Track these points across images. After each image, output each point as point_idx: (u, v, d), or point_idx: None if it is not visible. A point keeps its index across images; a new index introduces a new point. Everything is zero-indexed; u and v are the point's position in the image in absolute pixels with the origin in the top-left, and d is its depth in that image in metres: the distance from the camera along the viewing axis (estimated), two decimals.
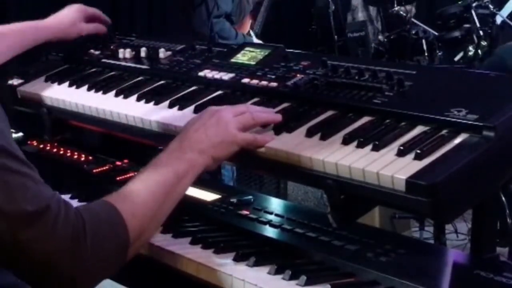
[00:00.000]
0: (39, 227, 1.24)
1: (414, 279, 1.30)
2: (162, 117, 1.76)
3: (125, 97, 1.94)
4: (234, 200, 1.77)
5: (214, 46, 2.07)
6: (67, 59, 2.34)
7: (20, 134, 2.29)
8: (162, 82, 1.98)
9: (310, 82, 1.68)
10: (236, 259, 1.45)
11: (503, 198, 1.72)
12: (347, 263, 1.40)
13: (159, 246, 1.54)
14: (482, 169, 1.32)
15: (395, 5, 6.11)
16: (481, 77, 1.65)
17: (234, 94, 1.80)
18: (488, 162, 1.33)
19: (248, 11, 4.73)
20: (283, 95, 1.69)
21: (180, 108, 1.78)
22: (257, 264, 1.42)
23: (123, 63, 2.17)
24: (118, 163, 2.10)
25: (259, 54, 1.91)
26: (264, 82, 1.76)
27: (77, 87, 2.10)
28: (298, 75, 1.74)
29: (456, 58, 5.90)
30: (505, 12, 5.66)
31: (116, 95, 1.97)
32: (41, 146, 2.27)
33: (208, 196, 1.83)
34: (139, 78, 2.05)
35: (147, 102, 1.87)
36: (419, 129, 1.42)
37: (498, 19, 5.66)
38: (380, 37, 6.36)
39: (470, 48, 5.69)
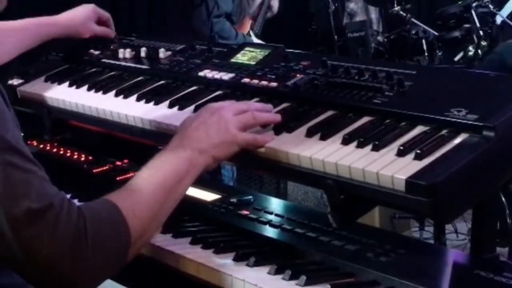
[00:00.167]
0: (41, 225, 1.23)
1: (414, 279, 1.30)
2: (162, 117, 1.76)
3: (125, 97, 1.94)
4: (234, 200, 1.77)
5: (214, 46, 2.07)
6: (67, 59, 2.34)
7: (20, 129, 2.29)
8: (162, 82, 1.98)
9: (310, 82, 1.68)
10: (236, 259, 1.45)
11: (503, 198, 1.72)
12: (347, 263, 1.40)
13: (159, 246, 1.54)
14: (482, 169, 1.32)
15: (395, 5, 6.11)
16: (481, 77, 1.65)
17: (234, 94, 1.80)
18: (488, 162, 1.33)
19: (248, 11, 4.72)
20: (283, 95, 1.69)
21: (180, 108, 1.78)
22: (257, 264, 1.42)
23: (123, 63, 2.17)
24: (118, 163, 2.10)
25: (259, 54, 1.91)
26: (264, 82, 1.76)
27: (77, 87, 2.10)
28: (298, 75, 1.74)
29: (456, 58, 5.91)
30: (505, 12, 5.66)
31: (116, 95, 1.97)
32: (41, 146, 2.27)
33: (208, 196, 1.83)
34: (139, 78, 2.05)
35: (147, 102, 1.87)
36: (419, 129, 1.42)
37: (498, 19, 5.66)
38: (379, 37, 6.37)
39: (470, 48, 5.69)
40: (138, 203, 1.38)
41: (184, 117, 1.64)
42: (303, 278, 1.33)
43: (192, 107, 1.76)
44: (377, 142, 1.39)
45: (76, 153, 2.20)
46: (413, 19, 6.06)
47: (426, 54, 5.96)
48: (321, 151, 1.43)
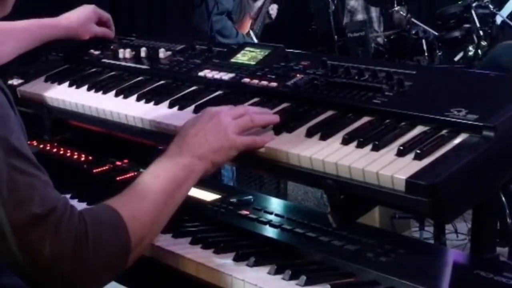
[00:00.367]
0: (43, 229, 1.24)
1: (414, 279, 1.30)
2: (162, 117, 1.76)
3: (125, 97, 1.94)
4: (234, 200, 1.77)
5: (214, 46, 2.07)
6: (67, 59, 2.34)
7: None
8: (162, 82, 1.98)
9: (310, 82, 1.68)
10: (236, 259, 1.45)
11: (503, 198, 1.72)
12: (347, 263, 1.40)
13: (159, 246, 1.54)
14: (482, 169, 1.32)
15: (395, 5, 6.11)
16: (481, 77, 1.65)
17: (234, 94, 1.80)
18: (488, 162, 1.33)
19: (248, 10, 4.73)
20: (283, 95, 1.69)
21: (180, 108, 1.78)
22: (257, 264, 1.42)
23: (123, 63, 2.17)
24: (118, 163, 2.10)
25: (259, 54, 1.91)
26: (264, 82, 1.76)
27: (77, 87, 2.10)
28: (298, 75, 1.74)
29: (456, 58, 5.90)
30: (505, 12, 5.66)
31: (116, 95, 1.97)
32: (41, 146, 2.27)
33: (208, 196, 1.83)
34: (139, 78, 2.05)
35: (147, 102, 1.87)
36: (419, 129, 1.42)
37: (498, 19, 5.66)
38: (379, 38, 6.36)
39: (470, 48, 5.69)
40: (138, 209, 1.38)
41: (184, 117, 1.65)
42: (303, 278, 1.33)
43: (192, 107, 1.76)
44: (377, 142, 1.39)
45: (76, 153, 2.20)
46: (413, 19, 6.06)
47: (426, 54, 5.96)
48: (321, 151, 1.43)
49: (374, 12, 6.69)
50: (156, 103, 1.84)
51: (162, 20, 5.02)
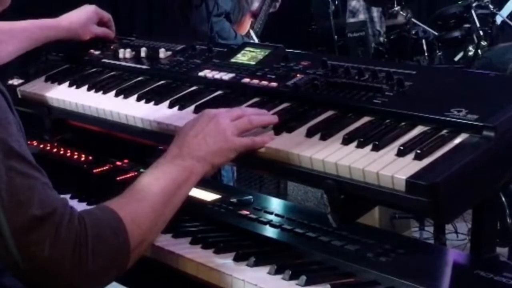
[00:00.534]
0: (43, 231, 1.24)
1: (414, 279, 1.30)
2: (162, 117, 1.76)
3: (125, 97, 1.94)
4: (234, 200, 1.77)
5: (214, 46, 2.07)
6: (67, 59, 2.34)
7: (24, 134, 2.30)
8: (162, 82, 1.98)
9: (310, 82, 1.68)
10: (236, 259, 1.45)
11: (503, 198, 1.72)
12: (347, 263, 1.40)
13: (159, 246, 1.54)
14: (482, 169, 1.32)
15: (395, 5, 6.10)
16: (481, 77, 1.65)
17: (234, 94, 1.80)
18: (488, 162, 1.33)
19: (247, 10, 4.72)
20: (283, 95, 1.69)
21: (180, 108, 1.78)
22: (257, 264, 1.42)
23: (123, 63, 2.17)
24: (118, 163, 2.10)
25: (259, 54, 1.91)
26: (264, 82, 1.76)
27: (77, 87, 2.10)
28: (298, 75, 1.74)
29: (456, 58, 5.90)
30: (505, 12, 5.65)
31: (116, 95, 1.97)
32: (41, 146, 2.27)
33: (208, 196, 1.83)
34: (139, 78, 2.05)
35: (147, 102, 1.87)
36: (419, 129, 1.42)
37: (498, 19, 5.65)
38: (381, 38, 6.36)
39: (470, 48, 5.68)
40: (138, 211, 1.38)
41: (184, 117, 1.65)
42: (303, 278, 1.33)
43: (192, 107, 1.76)
44: (377, 142, 1.39)
45: (76, 153, 2.20)
46: (413, 19, 6.06)
47: (426, 54, 5.95)
48: (321, 151, 1.43)
49: (376, 12, 6.68)
50: (156, 103, 1.84)
51: (162, 20, 5.03)
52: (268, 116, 1.59)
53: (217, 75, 1.87)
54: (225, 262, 1.45)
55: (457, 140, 1.35)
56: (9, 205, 1.22)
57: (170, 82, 1.97)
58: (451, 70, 4.04)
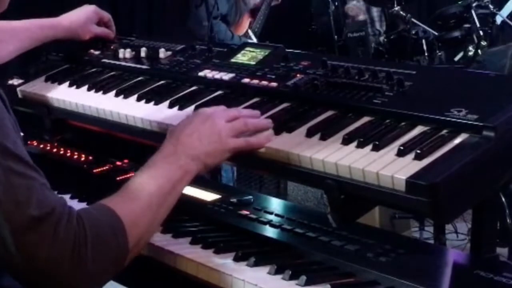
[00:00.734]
0: (42, 232, 1.24)
1: (414, 279, 1.30)
2: (162, 117, 1.76)
3: (125, 97, 1.94)
4: (234, 200, 1.77)
5: (214, 46, 2.07)
6: (67, 59, 2.34)
7: (21, 134, 2.30)
8: (162, 82, 1.98)
9: (310, 82, 1.68)
10: (236, 259, 1.45)
11: (503, 198, 1.72)
12: (347, 263, 1.40)
13: (159, 246, 1.54)
14: (482, 169, 1.32)
15: (395, 5, 6.10)
16: (481, 77, 1.65)
17: (234, 94, 1.80)
18: (488, 162, 1.33)
19: (245, 10, 4.72)
20: (283, 95, 1.69)
21: (180, 108, 1.78)
22: (257, 264, 1.42)
23: (123, 63, 2.17)
24: (118, 163, 2.10)
25: (259, 54, 1.91)
26: (264, 82, 1.76)
27: (77, 87, 2.10)
28: (298, 75, 1.74)
29: (456, 58, 5.90)
30: (505, 12, 5.65)
31: (116, 95, 1.97)
32: (41, 146, 2.27)
33: (208, 196, 1.83)
34: (139, 78, 2.05)
35: (147, 102, 1.87)
36: (419, 129, 1.43)
37: (498, 19, 5.65)
38: (381, 38, 6.36)
39: (470, 48, 5.68)
40: (136, 210, 1.38)
41: (184, 117, 1.64)
42: (303, 278, 1.33)
43: (192, 107, 1.77)
44: (377, 142, 1.39)
45: (76, 153, 2.20)
46: (413, 19, 6.06)
47: (426, 54, 5.94)
48: (321, 151, 1.43)
49: (376, 12, 6.68)
50: (156, 103, 1.84)
51: (162, 20, 5.03)
52: (263, 120, 1.59)
53: (217, 75, 1.87)
54: (225, 262, 1.45)
55: (457, 140, 1.35)
56: (7, 205, 1.22)
57: (170, 82, 1.97)
58: (451, 70, 4.05)
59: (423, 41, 5.98)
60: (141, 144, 1.94)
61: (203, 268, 1.44)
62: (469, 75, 1.95)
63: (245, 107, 1.69)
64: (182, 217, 1.69)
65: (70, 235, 1.26)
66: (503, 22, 5.66)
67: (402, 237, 1.98)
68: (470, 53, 5.64)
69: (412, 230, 4.22)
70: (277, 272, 1.38)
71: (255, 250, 1.50)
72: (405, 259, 1.41)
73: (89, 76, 2.17)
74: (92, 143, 2.23)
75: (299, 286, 1.33)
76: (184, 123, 1.55)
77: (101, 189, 1.68)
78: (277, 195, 3.94)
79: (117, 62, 2.18)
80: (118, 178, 1.97)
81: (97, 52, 2.29)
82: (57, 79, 2.19)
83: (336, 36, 6.13)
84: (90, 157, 2.16)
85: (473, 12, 5.63)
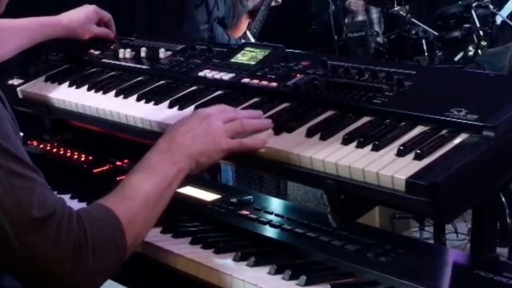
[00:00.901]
0: (43, 233, 1.24)
1: (414, 279, 1.30)
2: (162, 117, 1.76)
3: (125, 97, 1.94)
4: (234, 200, 1.77)
5: (214, 46, 2.07)
6: (67, 59, 2.34)
7: (20, 134, 2.30)
8: (162, 82, 1.98)
9: (310, 82, 1.68)
10: (236, 259, 1.46)
11: (503, 198, 1.72)
12: (347, 263, 1.40)
13: (159, 246, 1.54)
14: (482, 169, 1.32)
15: (395, 5, 6.11)
16: (481, 77, 1.65)
17: (234, 94, 1.80)
18: (488, 162, 1.33)
19: (243, 12, 4.71)
20: (283, 95, 1.69)
21: (180, 108, 1.78)
22: (257, 264, 1.42)
23: (123, 63, 2.16)
24: (118, 163, 2.10)
25: (259, 54, 1.91)
26: (264, 82, 1.76)
27: (77, 87, 2.10)
28: (298, 75, 1.74)
29: (456, 58, 5.91)
30: (505, 12, 5.66)
31: (116, 95, 1.96)
32: (41, 146, 2.27)
33: (208, 196, 1.83)
34: (139, 78, 2.05)
35: (147, 102, 1.87)
36: (419, 129, 1.42)
37: (498, 19, 5.66)
38: (379, 38, 6.36)
39: (470, 48, 5.69)
40: (133, 209, 1.39)
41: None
42: (303, 278, 1.33)
43: (192, 107, 1.76)
44: (377, 142, 1.39)
45: (76, 153, 2.20)
46: (413, 19, 6.06)
47: (426, 54, 5.95)
48: (321, 151, 1.43)
49: (375, 13, 6.69)
50: (156, 103, 1.84)
51: (162, 20, 5.02)
52: (261, 120, 1.58)
53: (217, 75, 1.87)
54: (225, 262, 1.45)
55: (457, 140, 1.35)
56: (9, 207, 1.22)
57: (170, 82, 1.97)
58: (451, 70, 4.05)
59: (423, 41, 5.99)
60: (141, 144, 1.94)
61: (203, 268, 1.45)
62: (469, 75, 1.95)
63: (245, 107, 1.69)
64: (182, 217, 1.70)
65: (71, 236, 1.26)
66: (503, 22, 5.67)
67: (402, 237, 1.98)
68: (470, 53, 5.65)
69: (412, 230, 4.23)
70: (277, 272, 1.38)
71: (255, 250, 1.50)
72: (405, 259, 1.41)
73: (89, 76, 2.17)
74: (92, 143, 2.23)
75: (299, 286, 1.33)
76: (181, 122, 1.55)
77: (101, 189, 1.68)
78: (277, 195, 3.94)
79: (117, 62, 2.18)
80: (118, 178, 1.97)
81: (97, 52, 2.29)
82: (57, 79, 2.19)
83: (336, 36, 6.13)
84: (90, 157, 2.16)
85: (473, 12, 5.64)
